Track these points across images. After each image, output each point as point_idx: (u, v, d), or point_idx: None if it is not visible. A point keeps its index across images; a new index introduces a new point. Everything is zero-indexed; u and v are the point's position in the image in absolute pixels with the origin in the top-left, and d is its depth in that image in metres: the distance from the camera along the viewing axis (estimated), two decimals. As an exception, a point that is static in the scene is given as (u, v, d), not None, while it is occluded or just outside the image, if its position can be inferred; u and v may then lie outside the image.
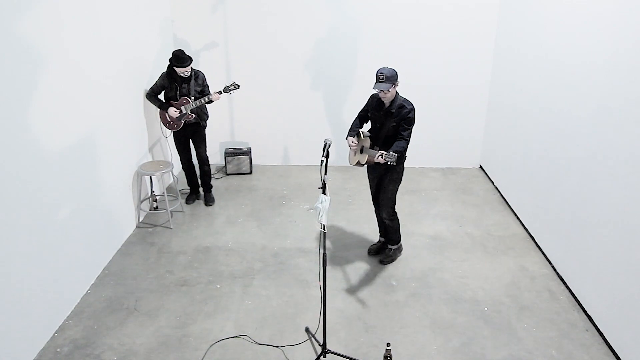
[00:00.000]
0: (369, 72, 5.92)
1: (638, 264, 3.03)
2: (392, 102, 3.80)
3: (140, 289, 3.91)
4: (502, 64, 5.58)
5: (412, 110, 3.76)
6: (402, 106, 3.77)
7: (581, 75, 3.77)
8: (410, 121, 3.77)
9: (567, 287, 3.90)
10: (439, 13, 5.69)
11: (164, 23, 5.65)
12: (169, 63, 4.71)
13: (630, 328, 3.09)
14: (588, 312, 3.60)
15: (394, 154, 3.55)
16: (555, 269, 4.13)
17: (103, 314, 3.63)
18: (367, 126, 4.12)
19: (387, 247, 4.32)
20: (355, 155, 4.10)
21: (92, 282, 3.97)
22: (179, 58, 4.61)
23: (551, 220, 4.22)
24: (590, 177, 3.60)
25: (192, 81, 4.81)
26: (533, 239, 4.60)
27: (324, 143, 3.12)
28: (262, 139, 6.35)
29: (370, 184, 4.24)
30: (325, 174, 3.02)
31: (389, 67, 3.71)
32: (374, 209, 4.35)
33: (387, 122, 3.84)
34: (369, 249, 4.45)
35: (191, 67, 4.74)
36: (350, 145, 4.01)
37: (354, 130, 4.05)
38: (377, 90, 3.71)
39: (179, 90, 4.79)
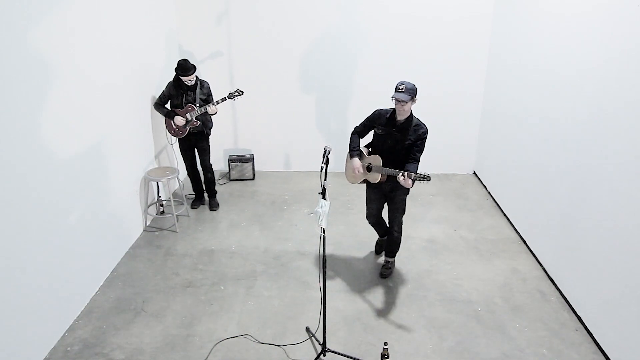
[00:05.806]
0: (368, 80, 6.07)
1: (625, 266, 3.09)
2: (407, 119, 3.62)
3: (147, 290, 3.97)
4: (496, 74, 5.63)
5: (427, 132, 3.64)
6: (419, 125, 3.63)
7: (572, 83, 3.81)
8: (424, 143, 3.64)
9: (558, 289, 3.96)
10: (434, 23, 5.79)
11: (170, 34, 5.74)
12: (175, 73, 4.83)
13: (618, 327, 3.16)
14: (577, 312, 3.65)
15: (421, 174, 3.42)
16: (546, 271, 4.19)
17: (111, 314, 3.69)
18: (362, 141, 3.96)
19: (386, 260, 4.19)
20: (357, 173, 3.86)
21: (101, 283, 4.04)
22: (183, 67, 4.72)
23: (542, 224, 4.27)
24: (580, 182, 3.65)
25: (198, 89, 4.92)
26: (525, 242, 4.66)
27: (323, 150, 3.14)
28: (264, 146, 6.43)
29: (370, 202, 4.04)
30: (325, 179, 3.06)
31: (411, 81, 3.57)
32: (368, 222, 4.19)
33: (402, 140, 3.64)
34: (376, 249, 4.54)
35: (196, 76, 4.86)
36: (356, 169, 3.81)
37: (357, 150, 3.84)
38: (394, 99, 3.50)
39: (185, 97, 4.91)
